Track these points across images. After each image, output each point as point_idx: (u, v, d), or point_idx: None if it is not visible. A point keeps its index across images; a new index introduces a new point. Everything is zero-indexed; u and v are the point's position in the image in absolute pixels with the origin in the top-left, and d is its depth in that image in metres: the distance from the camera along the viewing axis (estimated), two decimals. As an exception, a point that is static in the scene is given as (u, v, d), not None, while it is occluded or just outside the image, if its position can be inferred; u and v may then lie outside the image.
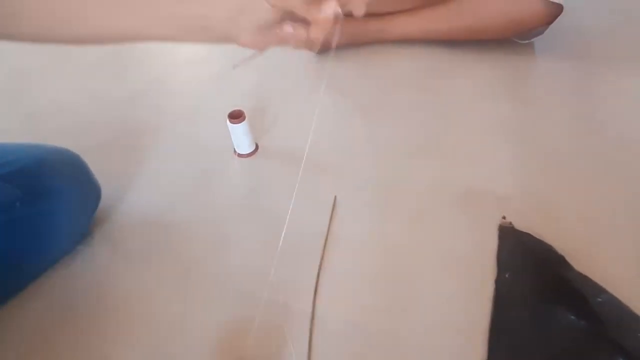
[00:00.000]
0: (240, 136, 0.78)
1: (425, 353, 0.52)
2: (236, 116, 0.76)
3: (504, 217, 0.65)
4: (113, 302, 0.60)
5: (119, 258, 0.65)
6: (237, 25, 0.41)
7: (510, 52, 0.97)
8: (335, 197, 0.70)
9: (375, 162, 0.76)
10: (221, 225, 0.68)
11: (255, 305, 0.56)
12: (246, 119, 0.76)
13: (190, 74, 1.04)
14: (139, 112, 0.93)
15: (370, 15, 1.03)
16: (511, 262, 0.59)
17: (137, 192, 0.74)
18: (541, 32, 0.96)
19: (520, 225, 0.63)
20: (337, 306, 0.57)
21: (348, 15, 0.41)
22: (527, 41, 0.99)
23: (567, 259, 0.58)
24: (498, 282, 0.58)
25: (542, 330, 0.51)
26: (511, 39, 0.99)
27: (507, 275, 0.58)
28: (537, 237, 0.61)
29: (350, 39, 1.03)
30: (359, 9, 0.40)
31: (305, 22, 0.41)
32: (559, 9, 0.89)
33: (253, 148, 0.81)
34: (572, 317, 0.51)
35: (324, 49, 1.04)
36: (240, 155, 0.80)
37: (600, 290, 0.53)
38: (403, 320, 0.55)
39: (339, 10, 0.38)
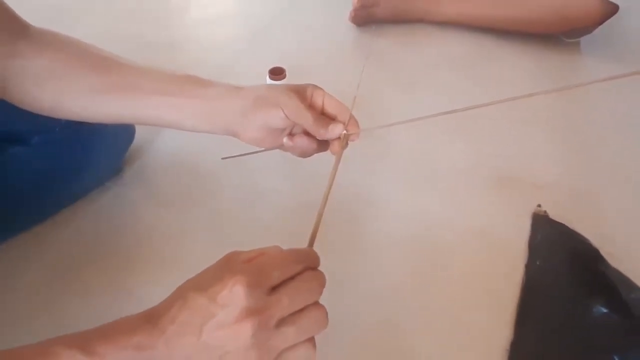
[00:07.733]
0: (278, 94, 0.76)
1: (454, 326, 0.51)
2: (277, 73, 0.74)
3: (539, 206, 0.64)
4: (138, 238, 0.59)
5: (147, 197, 0.64)
6: (246, 119, 0.43)
7: (556, 47, 0.95)
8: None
9: (413, 136, 0.75)
10: (251, 177, 0.68)
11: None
12: (287, 77, 0.75)
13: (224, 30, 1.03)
14: (179, 59, 0.92)
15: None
16: (543, 251, 0.58)
17: (171, 136, 0.73)
18: (589, 32, 0.93)
19: (555, 215, 0.62)
20: (369, 270, 0.57)
21: None
22: (573, 40, 0.97)
23: (601, 253, 0.57)
24: (528, 268, 0.57)
25: (573, 319, 0.51)
26: (557, 36, 0.96)
27: (537, 263, 0.57)
28: (572, 228, 0.60)
29: (395, 14, 1.01)
30: (355, 135, 0.44)
31: (311, 137, 0.45)
32: (614, 8, 0.86)
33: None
34: (605, 310, 0.50)
35: (365, 21, 1.02)
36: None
37: (634, 287, 0.52)
38: (432, 292, 0.54)
39: (345, 132, 0.44)
